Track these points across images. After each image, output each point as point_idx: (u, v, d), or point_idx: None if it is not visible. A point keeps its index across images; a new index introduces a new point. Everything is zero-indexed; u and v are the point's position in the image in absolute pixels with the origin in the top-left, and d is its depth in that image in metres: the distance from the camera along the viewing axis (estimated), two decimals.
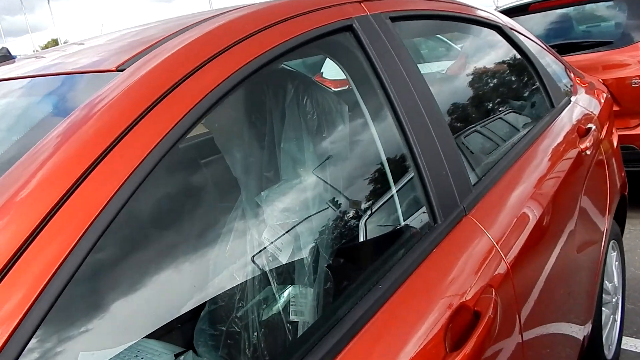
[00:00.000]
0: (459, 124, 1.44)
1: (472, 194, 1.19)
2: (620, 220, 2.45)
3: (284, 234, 1.14)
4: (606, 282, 2.16)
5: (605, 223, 2.01)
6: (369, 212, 1.17)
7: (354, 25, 1.15)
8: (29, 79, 1.04)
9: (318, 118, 1.24)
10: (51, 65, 1.07)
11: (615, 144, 2.40)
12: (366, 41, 1.15)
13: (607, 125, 2.34)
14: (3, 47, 1.27)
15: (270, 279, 1.11)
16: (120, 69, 0.84)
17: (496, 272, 1.08)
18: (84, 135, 0.70)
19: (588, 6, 4.10)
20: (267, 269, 1.11)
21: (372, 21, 1.20)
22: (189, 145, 1.50)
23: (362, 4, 1.22)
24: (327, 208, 1.19)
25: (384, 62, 1.15)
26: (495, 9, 3.81)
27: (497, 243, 1.12)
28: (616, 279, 2.33)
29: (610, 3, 3.95)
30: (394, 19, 1.28)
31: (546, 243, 1.40)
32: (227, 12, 1.06)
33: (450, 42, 2.95)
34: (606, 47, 3.63)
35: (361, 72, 1.15)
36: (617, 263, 2.37)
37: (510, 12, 4.35)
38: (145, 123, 0.73)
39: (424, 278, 0.96)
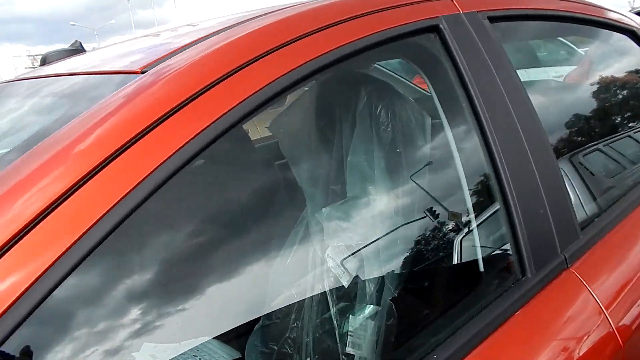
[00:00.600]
0: (568, 147, 1.17)
1: (579, 240, 0.93)
2: None
3: (349, 255, 0.99)
4: None
5: None
6: (441, 251, 0.96)
7: (440, 25, 0.94)
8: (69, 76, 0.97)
9: (393, 130, 1.06)
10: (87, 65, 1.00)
11: None
12: (454, 45, 0.93)
13: None
14: (76, 41, 1.24)
15: (330, 302, 0.98)
16: (144, 71, 0.73)
17: (602, 348, 0.82)
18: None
19: None
20: (327, 290, 0.98)
21: (464, 21, 0.99)
22: (258, 147, 1.39)
23: (454, 0, 1.01)
24: (396, 236, 1.00)
25: (474, 70, 0.93)
26: (630, 10, 3.33)
27: (605, 308, 0.86)
28: None
29: None
30: (493, 19, 1.05)
31: None
32: (284, 8, 0.91)
33: (572, 45, 2.58)
34: None
35: (445, 81, 0.94)
36: None
37: None
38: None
39: (500, 348, 0.74)
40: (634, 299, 0.92)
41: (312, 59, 0.78)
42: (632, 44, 1.50)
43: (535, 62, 2.70)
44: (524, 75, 2.08)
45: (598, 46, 1.77)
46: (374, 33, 0.86)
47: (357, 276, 0.97)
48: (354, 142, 1.05)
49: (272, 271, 1.00)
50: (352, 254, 0.98)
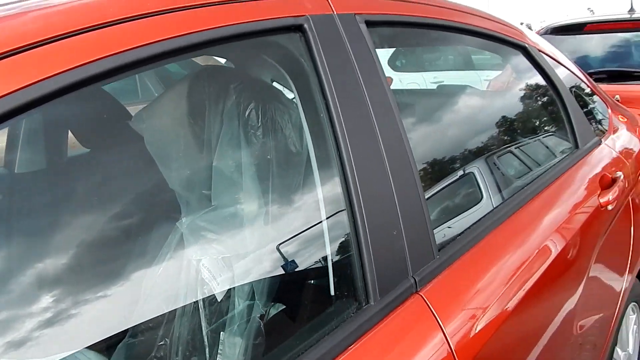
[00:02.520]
0: (439, 163, 1.10)
1: (434, 261, 0.86)
2: None
3: (222, 266, 0.88)
4: (618, 350, 1.77)
5: (623, 286, 1.62)
6: (303, 269, 0.87)
7: (306, 25, 0.83)
8: None
9: (264, 134, 0.95)
10: None
11: None
12: (318, 48, 0.83)
13: None
14: None
15: (202, 318, 0.87)
16: None
17: None
18: None
19: None
20: (200, 304, 0.87)
21: (336, 23, 0.88)
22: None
23: None
24: (266, 249, 0.90)
25: (337, 79, 0.83)
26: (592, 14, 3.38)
27: (449, 335, 0.79)
28: (632, 345, 1.92)
29: None
30: (372, 24, 0.95)
31: (534, 327, 1.06)
32: None
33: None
34: None
35: (306, 86, 0.84)
36: (635, 327, 1.96)
37: (564, 30, 3.87)
38: None
39: None
40: (475, 324, 0.86)
41: (153, 42, 0.65)
42: (523, 60, 1.46)
43: (469, 65, 2.65)
44: (457, 77, 2.03)
45: (490, 60, 1.74)
46: (228, 25, 0.74)
47: (230, 290, 0.87)
48: (221, 145, 0.93)
49: (141, 283, 0.88)
50: (225, 265, 0.88)
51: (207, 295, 0.86)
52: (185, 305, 0.87)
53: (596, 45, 3.68)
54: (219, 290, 0.87)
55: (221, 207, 0.94)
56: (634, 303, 1.87)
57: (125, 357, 0.88)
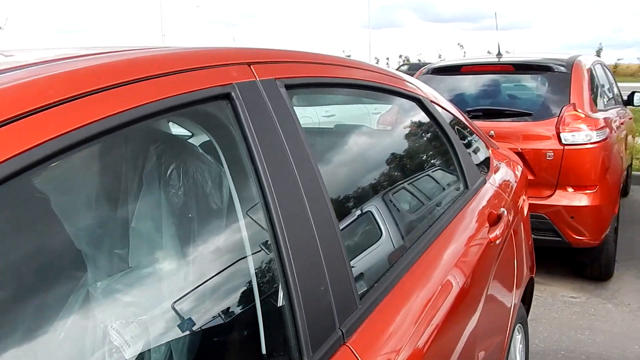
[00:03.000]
0: (353, 216, 1.18)
1: (357, 310, 0.93)
2: (527, 301, 2.30)
3: (135, 328, 0.85)
4: None
5: (510, 311, 1.82)
6: (229, 327, 0.88)
7: (233, 93, 0.88)
8: None
9: (185, 194, 0.96)
10: None
11: (527, 220, 2.26)
12: (245, 112, 0.87)
13: (522, 200, 2.20)
14: None
15: None
16: None
17: None
18: None
19: (515, 76, 4.07)
20: None
21: (259, 89, 0.94)
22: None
23: (251, 67, 0.95)
24: (184, 309, 0.90)
25: (263, 141, 0.88)
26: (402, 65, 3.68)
27: None
28: None
29: (535, 75, 3.93)
30: (290, 87, 1.02)
31: (442, 354, 1.17)
32: (81, 56, 0.77)
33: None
34: (528, 118, 3.57)
35: (233, 151, 0.88)
36: (521, 346, 2.19)
37: (443, 70, 4.27)
38: None
39: None
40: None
41: (92, 122, 0.65)
42: (418, 110, 1.62)
43: (358, 100, 2.78)
44: (349, 110, 2.13)
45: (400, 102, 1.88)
46: (162, 99, 0.76)
47: (142, 353, 0.85)
48: (140, 206, 0.93)
49: (40, 346, 0.82)
50: (139, 327, 0.86)
51: (118, 357, 0.84)
52: None
53: (471, 85, 4.11)
54: (129, 355, 0.85)
55: (139, 268, 0.93)
56: (519, 324, 2.11)
57: None
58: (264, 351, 0.83)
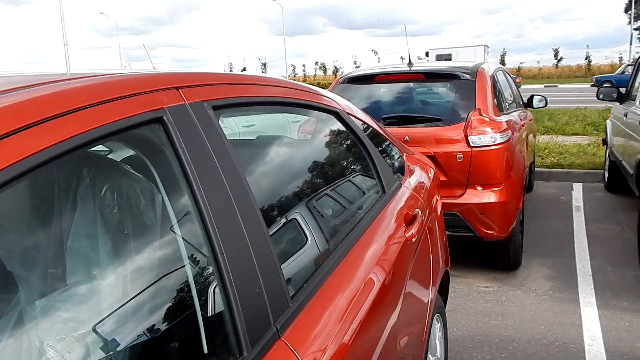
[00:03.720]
0: (280, 223, 1.30)
1: (289, 308, 1.04)
2: (444, 292, 2.51)
3: (70, 342, 0.90)
4: (430, 356, 2.16)
5: (428, 302, 2.01)
6: (171, 332, 0.96)
7: (164, 117, 0.96)
8: None
9: (120, 212, 1.02)
10: None
11: (441, 218, 2.48)
12: (177, 135, 0.96)
13: (435, 200, 2.41)
14: None
15: None
16: None
17: None
18: None
19: (426, 84, 4.37)
20: None
21: (189, 111, 1.03)
22: None
23: (179, 91, 1.04)
24: (121, 321, 0.96)
25: (195, 159, 0.97)
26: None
27: None
28: (439, 350, 2.35)
29: (443, 83, 4.25)
30: (217, 108, 1.12)
31: (370, 346, 1.30)
32: (13, 89, 0.82)
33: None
34: (439, 123, 3.86)
35: (168, 170, 0.96)
36: (440, 333, 2.40)
37: (359, 79, 4.50)
38: None
39: None
40: (333, 352, 1.06)
41: (31, 155, 0.71)
42: (336, 122, 1.76)
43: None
44: (268, 119, 2.24)
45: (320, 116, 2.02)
46: (97, 127, 0.83)
47: None
48: (75, 225, 0.98)
49: None
50: (76, 340, 0.91)
51: None
52: None
53: (386, 93, 4.37)
54: None
55: (77, 285, 0.99)
56: (438, 314, 2.31)
57: None
58: (205, 351, 0.92)
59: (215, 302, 0.95)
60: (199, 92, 1.09)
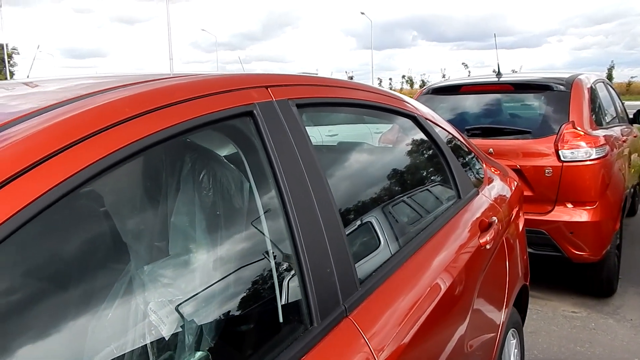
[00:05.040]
0: (354, 214, 1.43)
1: (357, 292, 1.16)
2: (522, 307, 2.51)
3: (170, 308, 1.08)
4: None
5: (502, 314, 2.03)
6: (252, 303, 1.12)
7: (254, 110, 1.13)
8: None
9: (214, 195, 1.20)
10: None
11: (521, 231, 2.48)
12: (264, 128, 1.12)
13: (515, 212, 2.42)
14: None
15: (150, 356, 1.03)
16: None
17: None
18: None
19: (515, 95, 4.33)
20: (148, 344, 1.04)
21: (275, 107, 1.19)
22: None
23: (268, 89, 1.21)
24: (213, 290, 1.13)
25: (279, 150, 1.12)
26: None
27: (376, 353, 1.09)
28: None
29: (534, 94, 4.18)
30: (301, 106, 1.27)
31: (434, 346, 1.39)
32: (134, 83, 1.02)
33: None
34: (527, 135, 3.82)
35: (256, 158, 1.12)
36: (516, 350, 2.40)
37: (443, 90, 4.55)
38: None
39: None
40: (399, 339, 1.17)
41: (147, 135, 0.90)
42: (414, 126, 1.87)
43: (360, 119, 3.05)
44: (352, 129, 2.40)
45: (398, 120, 2.14)
46: (198, 116, 1.01)
47: (177, 328, 1.06)
48: (178, 204, 1.17)
49: (91, 326, 1.02)
50: (174, 307, 1.08)
51: (156, 333, 1.06)
52: (135, 345, 1.03)
53: (471, 104, 4.37)
54: (166, 330, 1.07)
55: (177, 256, 1.17)
56: (514, 329, 2.32)
57: None
58: (280, 320, 1.07)
59: (291, 279, 1.09)
60: (285, 91, 1.25)
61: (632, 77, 39.69)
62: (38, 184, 0.74)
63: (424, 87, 4.70)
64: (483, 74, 6.03)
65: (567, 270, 4.03)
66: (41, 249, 1.00)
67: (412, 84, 46.37)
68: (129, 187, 1.24)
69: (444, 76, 44.66)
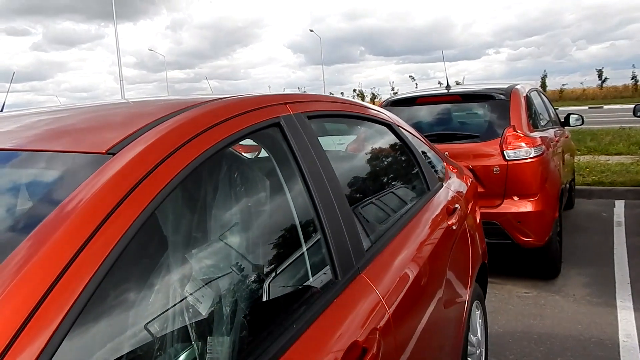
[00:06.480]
0: (356, 198, 1.78)
1: (365, 256, 1.50)
2: (482, 283, 2.91)
3: (205, 287, 1.32)
4: (471, 335, 2.55)
5: (468, 285, 2.42)
6: (283, 268, 1.43)
7: (281, 122, 1.46)
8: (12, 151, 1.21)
9: (245, 190, 1.51)
10: (37, 136, 1.25)
11: (477, 220, 2.89)
12: (289, 134, 1.46)
13: (472, 204, 2.83)
14: None
15: (190, 330, 1.19)
16: (110, 153, 1.07)
17: (381, 320, 1.38)
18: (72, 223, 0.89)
19: (463, 104, 4.82)
20: (187, 321, 1.19)
21: (294, 119, 1.53)
22: None
23: (287, 105, 1.54)
24: (247, 266, 1.43)
25: (301, 151, 1.46)
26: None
27: (383, 298, 1.43)
28: (480, 333, 2.74)
29: (479, 103, 4.68)
30: (310, 117, 1.61)
31: (421, 299, 1.74)
32: (190, 106, 1.33)
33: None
34: (476, 139, 4.29)
35: (284, 158, 1.45)
36: (480, 320, 2.79)
37: (401, 102, 4.98)
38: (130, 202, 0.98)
39: (326, 322, 1.24)
40: (398, 291, 1.52)
41: (215, 143, 1.21)
42: (389, 132, 2.25)
43: (325, 132, 3.45)
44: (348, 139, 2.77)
45: (367, 130, 2.51)
46: (243, 128, 1.33)
47: (214, 304, 1.25)
48: (217, 199, 1.47)
49: (132, 311, 1.08)
50: (208, 283, 1.27)
51: (194, 310, 1.21)
52: (175, 323, 1.16)
53: (426, 114, 4.83)
54: (202, 305, 1.32)
55: (218, 240, 1.47)
56: (477, 301, 2.71)
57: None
58: (311, 278, 1.39)
59: (319, 248, 1.42)
60: (299, 106, 1.59)
61: (563, 85, 42.04)
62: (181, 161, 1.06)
63: (383, 100, 5.13)
64: (431, 86, 6.54)
65: (518, 257, 4.50)
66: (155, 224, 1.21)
67: (362, 98, 47.48)
68: (203, 181, 1.51)
69: (392, 89, 46.01)
